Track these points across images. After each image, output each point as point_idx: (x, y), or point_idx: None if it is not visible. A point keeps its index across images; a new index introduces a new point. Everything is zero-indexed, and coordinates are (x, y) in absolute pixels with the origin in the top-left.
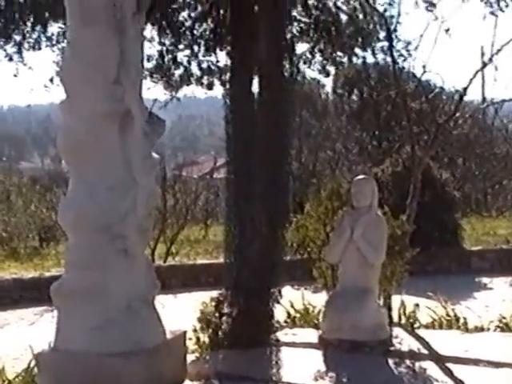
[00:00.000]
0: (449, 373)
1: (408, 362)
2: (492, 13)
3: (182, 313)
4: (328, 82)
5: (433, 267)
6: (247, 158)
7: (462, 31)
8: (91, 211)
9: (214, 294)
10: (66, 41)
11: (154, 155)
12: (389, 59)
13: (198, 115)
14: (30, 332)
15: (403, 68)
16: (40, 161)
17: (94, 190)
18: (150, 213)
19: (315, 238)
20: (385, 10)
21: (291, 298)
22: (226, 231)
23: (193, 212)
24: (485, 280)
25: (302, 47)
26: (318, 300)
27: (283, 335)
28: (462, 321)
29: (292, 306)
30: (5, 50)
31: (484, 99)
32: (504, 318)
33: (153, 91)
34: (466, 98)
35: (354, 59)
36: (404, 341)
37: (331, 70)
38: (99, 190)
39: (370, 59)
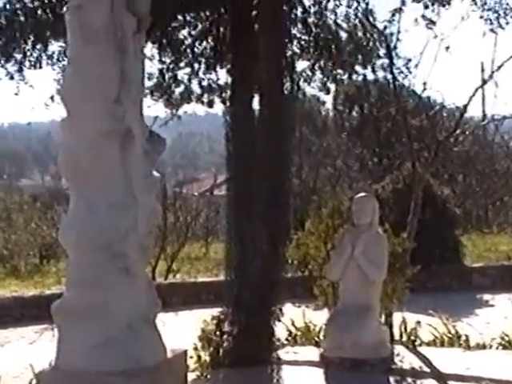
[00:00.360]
0: None
1: (410, 380)
2: (492, 30)
3: (182, 330)
4: (328, 99)
5: (434, 284)
6: (248, 175)
7: (462, 48)
8: (92, 230)
9: (215, 311)
10: (66, 59)
11: (155, 173)
12: (389, 76)
13: (198, 132)
14: (30, 350)
15: (403, 85)
16: (40, 178)
17: (94, 209)
18: (150, 231)
19: (316, 255)
20: (385, 28)
21: (292, 315)
22: (227, 249)
23: (193, 229)
24: (486, 297)
25: (302, 65)
26: (319, 318)
27: (284, 353)
28: (463, 338)
29: (293, 324)
30: (6, 69)
31: (484, 116)
32: (506, 335)
33: (153, 108)
34: (466, 115)
35: (354, 76)
36: (405, 358)
37: (331, 87)
38: (100, 209)
39: (371, 76)
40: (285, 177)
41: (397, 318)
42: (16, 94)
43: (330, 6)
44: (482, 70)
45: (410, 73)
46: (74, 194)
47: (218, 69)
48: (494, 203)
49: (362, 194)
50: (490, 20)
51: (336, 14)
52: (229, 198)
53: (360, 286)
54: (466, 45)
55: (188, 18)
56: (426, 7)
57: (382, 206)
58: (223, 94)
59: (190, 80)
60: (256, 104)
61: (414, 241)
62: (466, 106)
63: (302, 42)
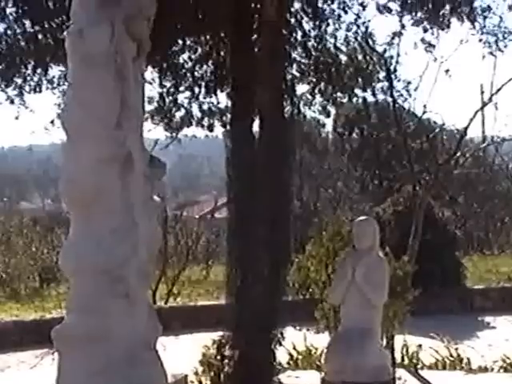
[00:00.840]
0: None
1: None
2: (491, 53)
3: (183, 354)
4: (328, 121)
5: (435, 306)
6: (248, 198)
7: (461, 70)
8: (92, 255)
9: (216, 335)
10: (66, 84)
11: (156, 198)
12: (389, 99)
13: (198, 155)
14: (30, 375)
15: (403, 108)
16: (41, 201)
17: (94, 234)
18: (151, 257)
19: (317, 279)
20: (384, 51)
21: (293, 339)
22: (228, 273)
23: (194, 252)
24: (488, 319)
25: (302, 88)
26: (320, 341)
27: (286, 377)
28: (465, 361)
29: (294, 348)
30: (6, 93)
31: (484, 138)
32: (508, 357)
33: (154, 131)
34: (466, 136)
35: (354, 99)
36: (407, 382)
37: (332, 110)
38: (100, 234)
39: (371, 98)
40: (285, 200)
41: (398, 341)
42: (16, 118)
43: (330, 29)
44: (482, 92)
45: (410, 96)
46: (74, 219)
47: (218, 92)
48: (495, 225)
49: (363, 218)
50: (489, 43)
51: (336, 38)
52: (229, 221)
53: (361, 309)
54: (465, 67)
55: (188, 42)
56: (426, 31)
57: (382, 229)
58: (223, 118)
59: (190, 104)
60: (256, 127)
61: (414, 263)
62: (466, 129)
63: (302, 66)
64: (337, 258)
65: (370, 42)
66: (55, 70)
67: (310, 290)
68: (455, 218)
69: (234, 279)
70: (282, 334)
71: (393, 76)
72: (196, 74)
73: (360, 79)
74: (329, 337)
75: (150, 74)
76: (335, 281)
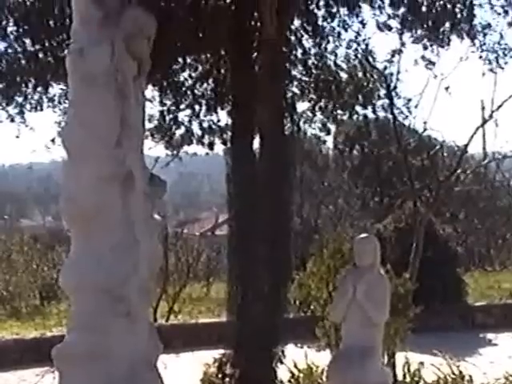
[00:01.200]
0: None
1: None
2: (491, 70)
3: (184, 373)
4: (329, 138)
5: (436, 323)
6: (249, 216)
7: (461, 87)
8: (93, 274)
9: (217, 353)
10: (67, 102)
11: (156, 216)
12: (389, 116)
13: (199, 172)
14: None
15: (404, 124)
16: (41, 218)
17: (95, 253)
18: (152, 275)
19: (318, 296)
20: (384, 68)
21: (294, 356)
22: (229, 291)
23: (195, 270)
24: (490, 336)
25: (302, 106)
26: (321, 358)
27: None
28: (467, 378)
29: (295, 366)
30: (7, 111)
31: (485, 154)
32: (510, 375)
33: (155, 149)
34: (467, 153)
35: (355, 117)
36: None
37: (332, 127)
38: (101, 252)
39: (371, 115)
40: (286, 217)
41: (400, 358)
42: (17, 137)
43: (330, 47)
44: (483, 108)
45: (410, 113)
46: (74, 237)
47: (218, 110)
48: (497, 241)
49: (364, 235)
50: (489, 60)
51: (336, 55)
52: (230, 239)
53: (362, 327)
54: (465, 84)
55: (188, 60)
56: (426, 48)
57: (383, 245)
58: (224, 136)
59: (190, 122)
60: (257, 145)
61: (415, 280)
62: (466, 146)
63: (303, 83)
64: (338, 275)
65: (371, 60)
66: (56, 89)
67: (311, 307)
68: (456, 234)
69: (234, 297)
70: (282, 352)
71: (393, 93)
72: (196, 92)
73: (360, 96)
74: (330, 355)
75: (151, 92)
76: (336, 298)
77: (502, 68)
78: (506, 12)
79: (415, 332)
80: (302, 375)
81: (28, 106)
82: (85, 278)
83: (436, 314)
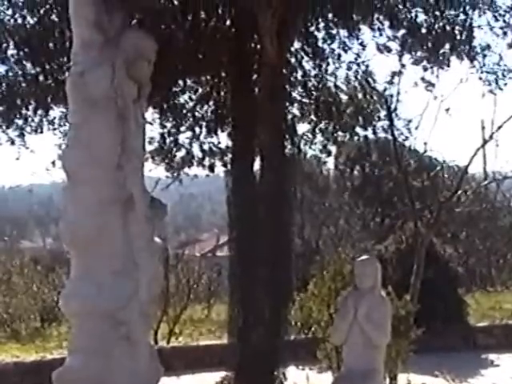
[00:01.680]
0: None
1: None
2: (491, 91)
3: None
4: (329, 159)
5: (438, 344)
6: (250, 238)
7: (461, 108)
8: (94, 298)
9: (218, 375)
10: (67, 125)
11: (157, 240)
12: (390, 137)
13: (199, 193)
14: None
15: (404, 145)
16: (41, 240)
17: (96, 277)
18: (153, 299)
19: (319, 318)
20: (384, 89)
21: (296, 378)
22: (230, 313)
23: (195, 291)
24: (491, 357)
25: (303, 127)
26: (323, 381)
27: None
28: None
29: None
30: (7, 134)
31: (486, 175)
32: None
33: (155, 170)
34: (467, 174)
35: (355, 138)
36: None
37: (332, 149)
38: (101, 276)
39: (371, 136)
40: (287, 239)
41: (402, 379)
42: (17, 159)
43: (330, 69)
44: (483, 128)
45: (411, 134)
46: (75, 261)
47: (218, 132)
48: (498, 261)
49: (364, 257)
50: (489, 81)
51: (336, 77)
52: (231, 261)
53: (364, 349)
54: (465, 105)
55: (189, 82)
56: (426, 70)
57: (384, 266)
58: (224, 158)
59: (191, 144)
60: (257, 166)
61: (417, 301)
62: (467, 167)
63: (303, 105)
64: (339, 297)
65: (371, 81)
66: (56, 111)
67: (312, 329)
68: (457, 254)
69: (235, 319)
70: (284, 374)
71: (393, 114)
72: (197, 114)
73: (361, 118)
74: (331, 377)
75: (151, 114)
76: (337, 321)
77: (502, 89)
78: (505, 33)
79: (417, 353)
80: None
81: (28, 129)
82: (86, 302)
83: (437, 334)
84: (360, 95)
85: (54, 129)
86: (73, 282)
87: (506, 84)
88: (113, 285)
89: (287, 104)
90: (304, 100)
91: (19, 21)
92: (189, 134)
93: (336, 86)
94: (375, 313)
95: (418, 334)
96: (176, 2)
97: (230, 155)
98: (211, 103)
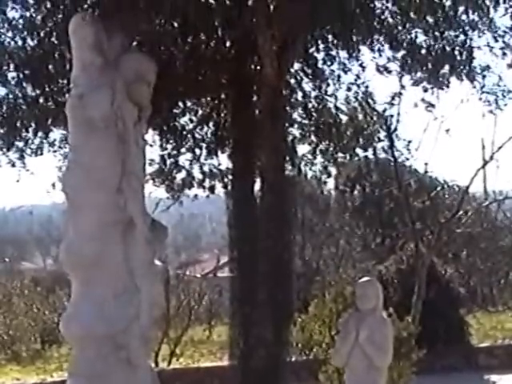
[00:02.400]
0: None
1: None
2: (491, 111)
3: None
4: (330, 179)
5: (440, 365)
6: (250, 260)
7: (462, 128)
8: (95, 322)
9: None
10: (68, 147)
11: (157, 262)
12: (390, 158)
13: (200, 214)
14: None
15: (404, 166)
16: (42, 261)
17: (97, 301)
18: (153, 322)
19: (320, 340)
20: (384, 110)
21: None
22: (231, 335)
23: (196, 312)
24: (494, 377)
25: (303, 148)
26: None
27: None
28: None
29: None
30: (7, 156)
31: (486, 194)
32: None
33: (156, 192)
34: (468, 194)
35: (356, 159)
36: None
37: (333, 170)
38: (102, 300)
39: (372, 157)
40: (288, 259)
41: None
42: (17, 181)
43: (330, 90)
44: (483, 148)
45: (412, 155)
46: (75, 284)
47: (219, 154)
48: (499, 281)
49: (366, 279)
50: (489, 102)
51: (336, 98)
52: (232, 283)
53: (366, 371)
54: (466, 125)
55: (189, 104)
56: (425, 90)
57: (385, 287)
58: (224, 179)
59: (191, 165)
60: (258, 188)
61: (418, 323)
62: (467, 187)
63: (303, 126)
64: (340, 319)
65: (371, 102)
66: (56, 134)
67: (314, 350)
68: (458, 275)
69: (236, 341)
70: None
71: (393, 135)
72: (197, 135)
73: (361, 139)
74: None
75: (151, 136)
76: (339, 342)
77: (502, 109)
78: (505, 54)
79: (419, 374)
80: None
81: (28, 151)
82: (87, 326)
83: (439, 355)
84: (360, 116)
85: (55, 151)
86: (73, 305)
87: (505, 104)
88: (114, 309)
89: (287, 125)
90: (304, 121)
91: (19, 43)
92: (189, 155)
93: (336, 107)
94: (377, 334)
95: (420, 355)
96: (176, 24)
97: (230, 177)
98: (211, 125)
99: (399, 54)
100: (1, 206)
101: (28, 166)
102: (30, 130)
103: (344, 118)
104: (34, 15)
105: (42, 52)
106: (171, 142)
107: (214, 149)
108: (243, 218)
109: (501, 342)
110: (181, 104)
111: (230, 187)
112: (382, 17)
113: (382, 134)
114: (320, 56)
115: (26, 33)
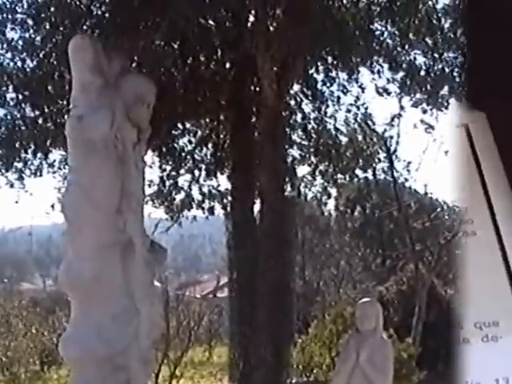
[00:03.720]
0: None
1: None
2: None
3: None
4: (330, 200)
5: None
6: (250, 281)
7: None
8: (94, 343)
9: None
10: (67, 168)
11: (156, 284)
12: (390, 179)
13: (199, 234)
14: None
15: (404, 186)
16: (41, 281)
17: (96, 322)
18: (152, 343)
19: (321, 362)
20: (384, 131)
21: None
22: (231, 356)
23: (196, 333)
24: None
25: (302, 170)
26: None
27: None
28: None
29: None
30: (6, 177)
31: None
32: None
33: (154, 212)
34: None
35: (355, 180)
36: None
37: (332, 191)
38: (101, 321)
39: (371, 177)
40: (287, 281)
41: None
42: (16, 202)
43: (330, 111)
44: None
45: (412, 177)
46: (74, 305)
47: (218, 175)
48: None
49: (365, 300)
50: None
51: (336, 119)
52: (231, 304)
53: None
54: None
55: (188, 125)
56: (425, 112)
57: (386, 308)
58: (224, 200)
59: (190, 187)
60: (257, 209)
61: (418, 344)
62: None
63: (303, 148)
64: (340, 340)
65: (370, 123)
66: (56, 154)
67: (314, 372)
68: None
69: (236, 362)
70: None
71: (393, 156)
72: (196, 156)
73: (360, 160)
74: None
75: (150, 157)
76: (339, 364)
77: None
78: None
79: None
80: None
81: (28, 172)
82: (85, 347)
83: (440, 376)
84: (360, 137)
85: (54, 172)
86: (72, 326)
87: None
88: (113, 330)
89: (287, 146)
90: (304, 142)
91: (19, 64)
92: (188, 176)
93: (336, 129)
94: (377, 356)
95: (421, 376)
96: (175, 46)
97: (229, 198)
98: (210, 146)
99: (398, 76)
100: (0, 227)
101: (27, 186)
102: (30, 150)
103: (344, 140)
104: (33, 36)
105: (41, 73)
106: (170, 163)
107: (213, 170)
108: (243, 239)
109: None
110: (180, 125)
111: (229, 208)
112: (381, 38)
113: (382, 155)
114: (320, 77)
115: (25, 54)
